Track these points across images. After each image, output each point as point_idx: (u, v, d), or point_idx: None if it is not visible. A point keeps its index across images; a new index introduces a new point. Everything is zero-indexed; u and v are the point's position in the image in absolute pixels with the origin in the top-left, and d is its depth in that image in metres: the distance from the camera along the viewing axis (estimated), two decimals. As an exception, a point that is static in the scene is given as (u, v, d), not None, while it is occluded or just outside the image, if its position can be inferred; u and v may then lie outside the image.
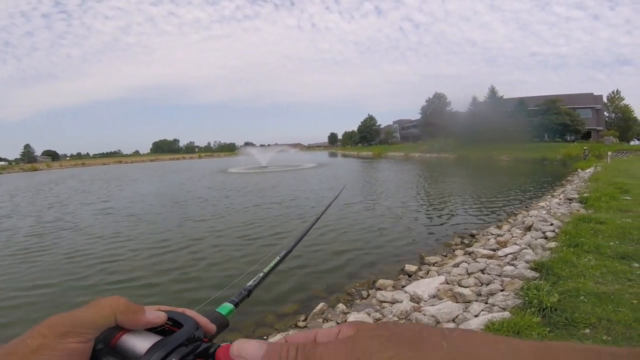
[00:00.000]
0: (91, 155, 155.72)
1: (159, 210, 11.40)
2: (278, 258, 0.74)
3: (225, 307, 0.56)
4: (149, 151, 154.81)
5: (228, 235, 7.90)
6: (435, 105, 61.42)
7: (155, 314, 0.42)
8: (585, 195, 8.33)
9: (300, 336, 0.36)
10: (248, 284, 0.64)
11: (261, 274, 0.68)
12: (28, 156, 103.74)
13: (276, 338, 3.30)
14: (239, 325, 3.77)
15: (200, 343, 0.42)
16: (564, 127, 42.92)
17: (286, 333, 3.41)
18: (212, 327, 0.47)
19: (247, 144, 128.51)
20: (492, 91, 50.89)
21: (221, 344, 0.41)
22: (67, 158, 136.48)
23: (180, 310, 0.46)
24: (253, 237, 7.66)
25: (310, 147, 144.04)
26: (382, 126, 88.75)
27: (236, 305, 0.58)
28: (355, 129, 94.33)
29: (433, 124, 56.05)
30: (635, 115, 52.03)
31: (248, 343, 0.34)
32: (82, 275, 5.86)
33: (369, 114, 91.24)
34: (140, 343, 0.39)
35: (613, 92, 54.02)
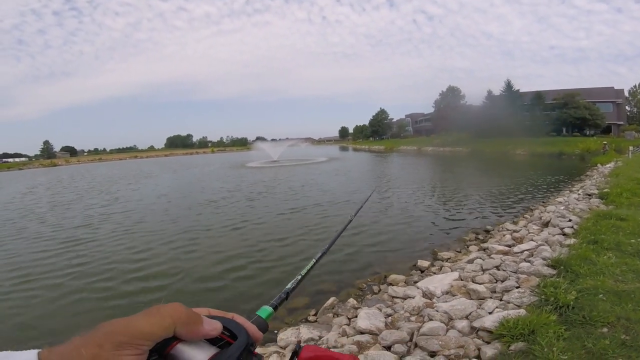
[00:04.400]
0: (108, 150, 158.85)
1: (183, 212, 11.02)
2: (314, 260, 0.75)
3: (265, 311, 0.56)
4: (164, 146, 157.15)
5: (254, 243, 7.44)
6: (449, 99, 60.34)
7: (212, 325, 0.41)
8: (605, 190, 8.09)
9: None
10: (287, 287, 0.64)
11: (299, 277, 0.68)
12: (47, 152, 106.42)
13: (287, 332, 3.32)
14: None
15: (252, 357, 0.42)
16: (583, 121, 41.59)
17: (296, 327, 3.43)
18: (259, 336, 0.47)
19: (258, 138, 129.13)
20: (508, 85, 49.64)
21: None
22: (85, 153, 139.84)
23: (229, 315, 0.46)
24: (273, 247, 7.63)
25: (321, 141, 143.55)
26: (394, 120, 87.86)
27: (275, 308, 0.58)
28: (367, 122, 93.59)
29: (446, 118, 55.15)
30: (658, 108, 50.10)
31: None
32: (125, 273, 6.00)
33: (380, 108, 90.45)
34: (196, 355, 0.38)
35: (635, 86, 52.23)
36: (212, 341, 0.41)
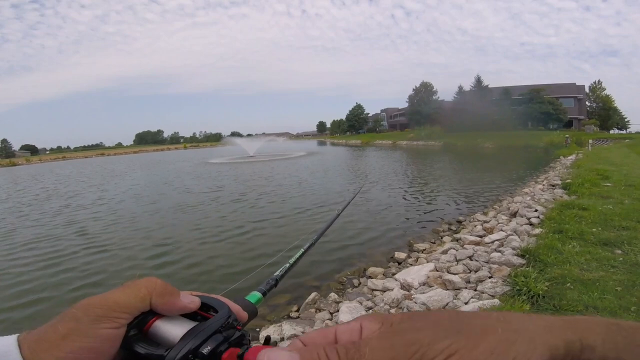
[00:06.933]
0: (72, 148, 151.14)
1: (160, 218, 10.65)
2: (302, 250, 0.77)
3: (254, 296, 0.56)
4: (132, 143, 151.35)
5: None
6: (422, 94, 61.62)
7: (190, 299, 0.40)
8: (568, 181, 8.51)
9: (318, 336, 0.34)
10: (275, 274, 0.65)
11: (287, 265, 0.70)
12: (5, 151, 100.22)
13: (270, 330, 3.31)
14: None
15: (234, 331, 0.40)
16: (547, 115, 43.75)
17: (279, 324, 3.42)
18: (244, 315, 0.46)
19: (233, 134, 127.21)
20: (478, 80, 51.34)
21: (248, 348, 0.39)
22: (47, 152, 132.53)
23: (213, 296, 0.45)
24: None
25: (298, 136, 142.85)
26: (370, 114, 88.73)
27: (264, 294, 0.59)
28: (344, 117, 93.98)
29: (420, 113, 56.49)
30: (615, 104, 53.41)
31: (278, 354, 0.31)
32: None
33: (357, 103, 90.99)
34: (175, 329, 0.38)
35: (595, 82, 55.25)
36: (193, 318, 0.40)
